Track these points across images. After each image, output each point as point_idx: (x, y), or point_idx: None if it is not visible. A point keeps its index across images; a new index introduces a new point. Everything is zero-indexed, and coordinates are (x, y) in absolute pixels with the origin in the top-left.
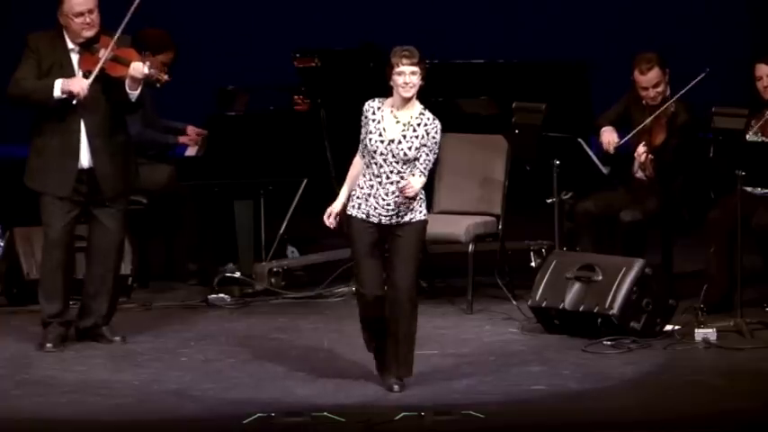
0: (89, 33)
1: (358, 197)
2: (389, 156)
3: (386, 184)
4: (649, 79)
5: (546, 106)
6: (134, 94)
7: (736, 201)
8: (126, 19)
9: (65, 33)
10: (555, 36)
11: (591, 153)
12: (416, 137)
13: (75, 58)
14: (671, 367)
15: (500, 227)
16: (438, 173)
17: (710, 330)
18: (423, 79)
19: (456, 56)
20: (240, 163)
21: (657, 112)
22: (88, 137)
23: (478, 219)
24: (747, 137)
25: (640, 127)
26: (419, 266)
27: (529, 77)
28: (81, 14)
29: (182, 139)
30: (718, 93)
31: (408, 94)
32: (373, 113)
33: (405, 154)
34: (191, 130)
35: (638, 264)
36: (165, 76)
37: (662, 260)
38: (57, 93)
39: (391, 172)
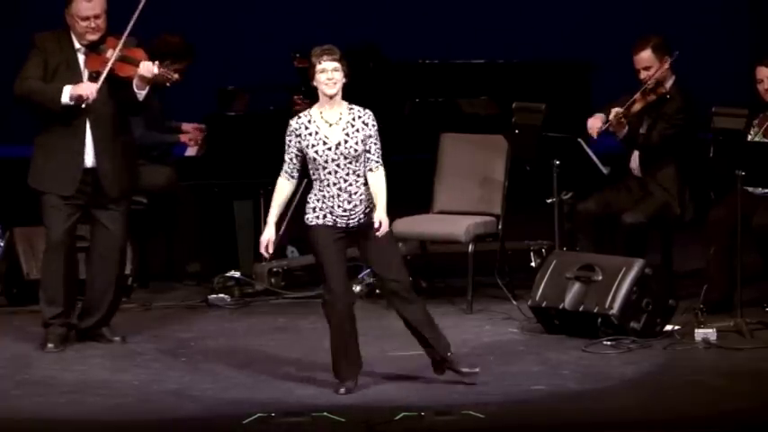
0: (92, 37)
1: (320, 209)
2: (341, 159)
3: (346, 187)
4: (638, 60)
5: (546, 106)
6: (141, 93)
7: (736, 201)
8: (132, 21)
9: (71, 33)
10: (555, 36)
11: (591, 153)
12: (357, 130)
13: (81, 58)
14: (671, 367)
15: (500, 227)
16: (438, 173)
17: (710, 330)
18: (346, 76)
19: (456, 56)
20: (240, 163)
21: (646, 88)
22: (93, 137)
23: (478, 219)
24: (748, 138)
25: (627, 102)
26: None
27: (529, 77)
28: (87, 18)
29: (183, 138)
30: (718, 93)
31: (332, 91)
32: (306, 128)
33: (355, 150)
34: (186, 126)
35: (638, 264)
36: (176, 75)
37: (662, 260)
38: (65, 99)
39: (347, 174)
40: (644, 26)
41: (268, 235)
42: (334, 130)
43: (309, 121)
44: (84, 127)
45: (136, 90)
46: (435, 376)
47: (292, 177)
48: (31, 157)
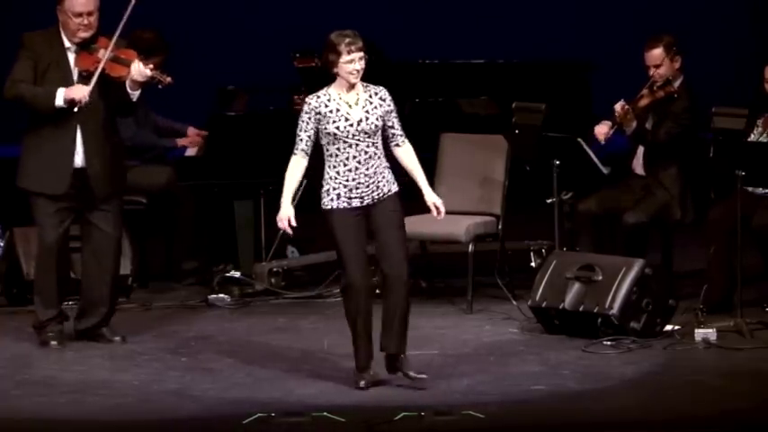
0: (85, 35)
1: (334, 188)
2: (361, 134)
3: (366, 159)
4: (650, 57)
5: (546, 106)
6: (135, 94)
7: (736, 201)
8: (123, 20)
9: (62, 32)
10: (555, 36)
11: (591, 153)
12: (375, 107)
13: (71, 57)
14: (671, 367)
15: (500, 227)
16: (438, 173)
17: (710, 330)
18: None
19: (456, 56)
20: (240, 163)
21: (654, 83)
22: (83, 137)
23: (478, 219)
24: (751, 137)
25: (636, 97)
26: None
27: (529, 77)
28: (80, 15)
29: (181, 142)
30: (718, 93)
31: (357, 80)
32: (326, 106)
33: (375, 126)
34: (191, 131)
35: (638, 264)
36: (168, 78)
37: (662, 260)
38: (59, 102)
39: (367, 146)
40: (644, 26)
41: (286, 212)
42: (354, 110)
43: (329, 100)
44: (75, 127)
45: (129, 91)
46: (435, 376)
47: (307, 155)
48: (20, 157)
